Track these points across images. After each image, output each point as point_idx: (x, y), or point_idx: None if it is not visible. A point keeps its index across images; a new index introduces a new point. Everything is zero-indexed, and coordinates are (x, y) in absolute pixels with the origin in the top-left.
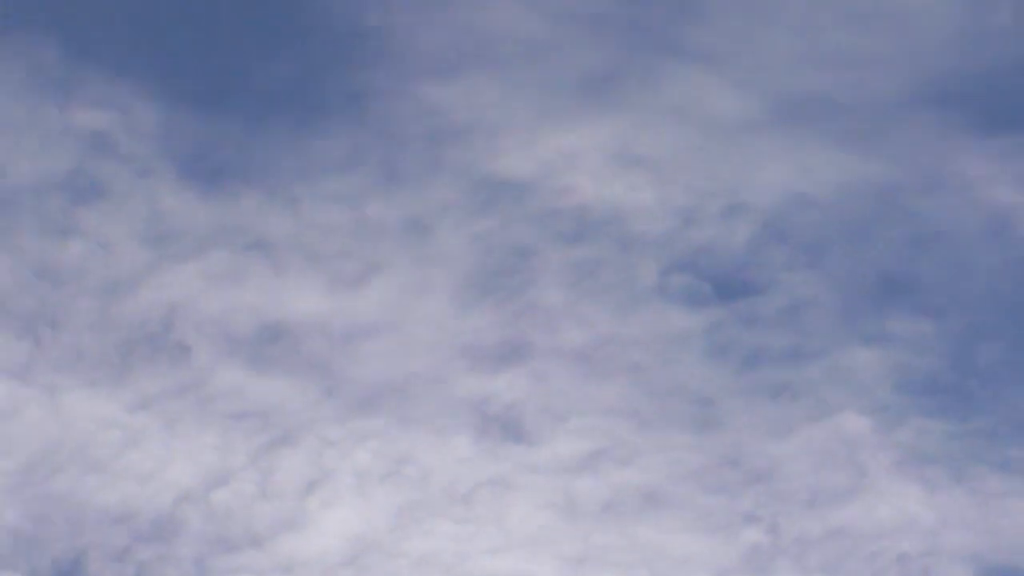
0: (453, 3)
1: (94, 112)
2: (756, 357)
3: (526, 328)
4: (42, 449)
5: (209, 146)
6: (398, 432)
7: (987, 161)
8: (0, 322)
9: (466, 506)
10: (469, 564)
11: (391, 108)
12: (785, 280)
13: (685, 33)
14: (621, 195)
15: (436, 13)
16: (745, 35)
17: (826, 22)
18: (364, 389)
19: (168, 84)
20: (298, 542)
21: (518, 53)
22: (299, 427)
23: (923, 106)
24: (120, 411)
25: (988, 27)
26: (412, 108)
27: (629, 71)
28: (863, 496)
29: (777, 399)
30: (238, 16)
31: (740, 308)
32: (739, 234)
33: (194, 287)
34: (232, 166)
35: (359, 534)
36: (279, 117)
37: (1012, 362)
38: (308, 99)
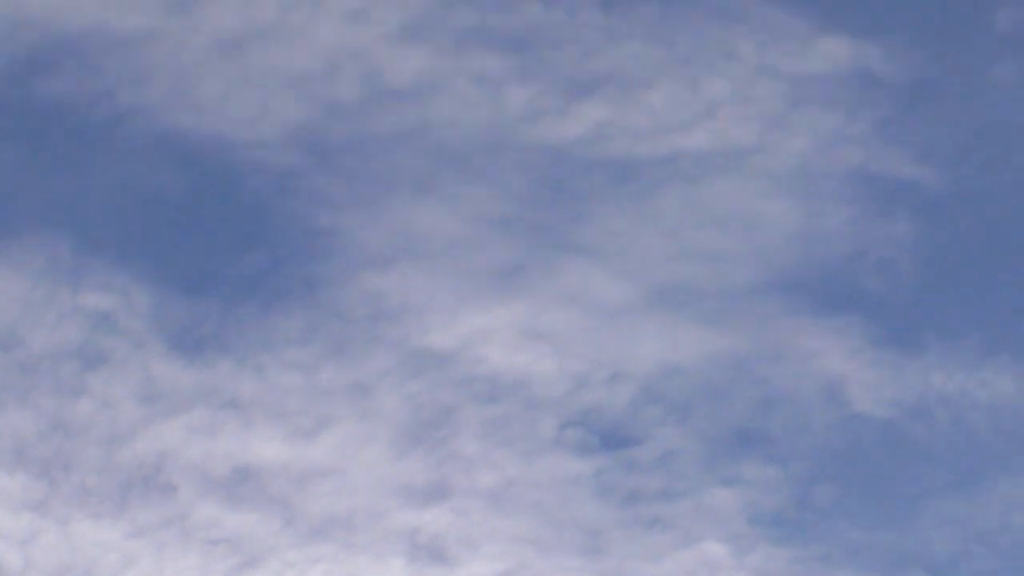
0: (389, 208)
1: (99, 295)
2: (635, 496)
3: (449, 471)
4: (56, 570)
5: (192, 323)
6: (344, 556)
7: (821, 337)
8: (21, 465)
9: None
10: None
11: (339, 293)
12: (659, 434)
13: (577, 233)
14: (526, 364)
15: (376, 216)
16: (626, 235)
17: (691, 224)
18: (317, 521)
19: (159, 273)
20: None
21: (442, 248)
22: (264, 552)
23: (769, 292)
24: (119, 538)
25: (820, 229)
26: (356, 293)
27: (532, 263)
28: None
29: (652, 530)
30: (216, 218)
31: (622, 456)
32: (621, 396)
33: (180, 437)
34: (210, 339)
35: None
36: (249, 299)
37: (842, 501)
38: (272, 285)
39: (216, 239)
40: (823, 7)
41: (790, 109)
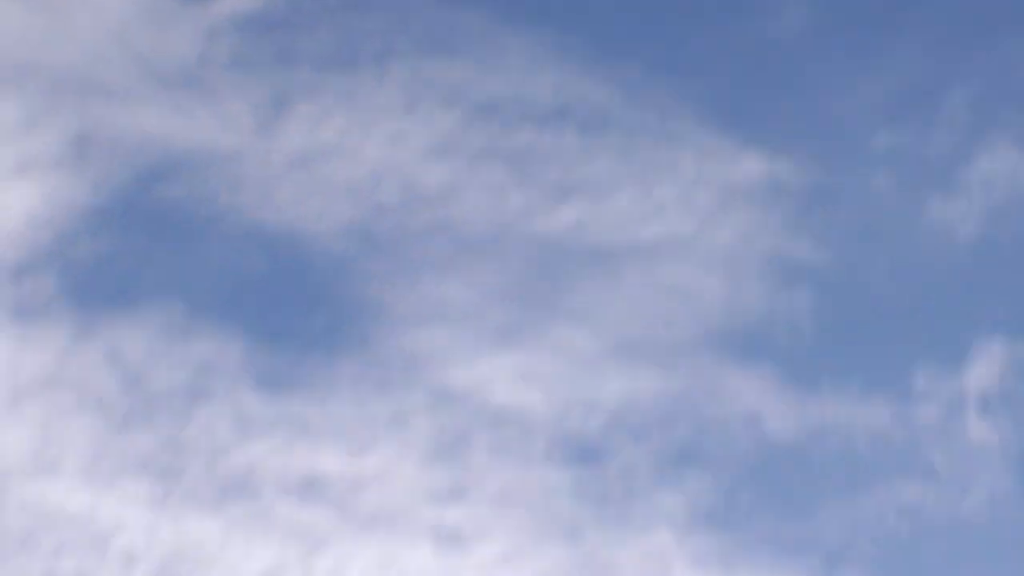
0: (420, 283)
1: (203, 345)
2: (603, 498)
3: (464, 479)
4: (170, 553)
5: (273, 367)
6: (386, 543)
7: (743, 379)
8: (144, 474)
9: None
10: None
11: (382, 346)
12: (621, 451)
13: (561, 301)
14: (522, 400)
15: (410, 289)
16: (598, 303)
17: (646, 295)
18: (365, 516)
19: (248, 330)
20: None
21: (460, 313)
22: (326, 539)
23: (704, 345)
24: (218, 529)
25: (742, 299)
26: (395, 346)
27: (527, 324)
28: None
29: (616, 523)
30: (291, 290)
31: (594, 468)
32: (593, 424)
33: (263, 453)
34: (286, 379)
35: None
36: (315, 350)
37: (759, 502)
38: (333, 339)
39: (291, 305)
40: (744, 131)
41: (720, 209)
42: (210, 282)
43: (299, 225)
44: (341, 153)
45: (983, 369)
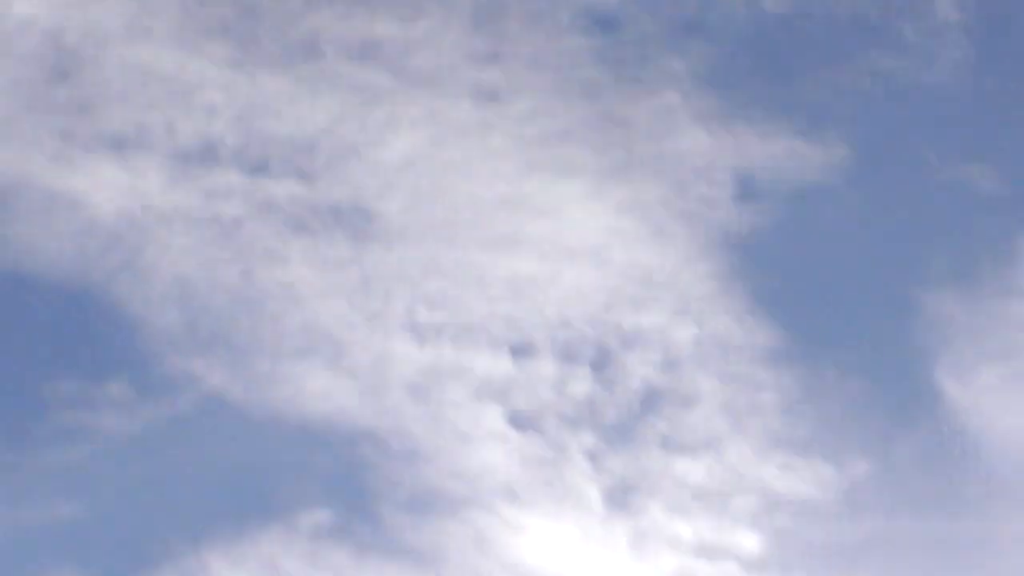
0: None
1: None
2: (620, 61)
3: (501, 46)
4: (245, 113)
5: None
6: (427, 101)
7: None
8: (223, 36)
9: None
10: None
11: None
12: (637, 20)
13: None
14: None
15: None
16: None
17: None
18: (415, 77)
19: None
20: None
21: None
22: (381, 96)
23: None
24: (288, 85)
25: None
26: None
27: None
28: None
29: (630, 82)
30: None
31: (612, 35)
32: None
33: (329, 19)
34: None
35: None
36: None
37: (752, 71)
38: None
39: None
40: None
41: None
42: None
43: None
44: None
45: None
